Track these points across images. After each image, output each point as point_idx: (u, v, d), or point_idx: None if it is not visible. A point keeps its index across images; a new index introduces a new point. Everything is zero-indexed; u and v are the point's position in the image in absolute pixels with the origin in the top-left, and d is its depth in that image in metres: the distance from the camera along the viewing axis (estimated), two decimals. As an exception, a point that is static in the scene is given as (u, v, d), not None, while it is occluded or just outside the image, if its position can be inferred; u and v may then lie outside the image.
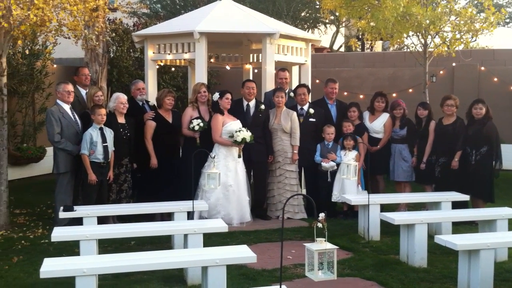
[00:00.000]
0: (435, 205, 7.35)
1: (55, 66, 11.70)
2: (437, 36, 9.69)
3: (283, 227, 3.39)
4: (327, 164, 7.97)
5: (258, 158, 7.94)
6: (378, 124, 8.40)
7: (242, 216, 7.64)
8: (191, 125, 7.72)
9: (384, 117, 8.41)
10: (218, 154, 7.48)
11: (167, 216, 7.40)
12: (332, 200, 7.98)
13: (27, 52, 9.58)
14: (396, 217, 6.13)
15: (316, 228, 3.48)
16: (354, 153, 7.92)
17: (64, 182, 7.28)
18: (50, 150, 10.67)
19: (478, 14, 9.68)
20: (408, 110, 8.53)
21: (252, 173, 8.19)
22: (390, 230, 7.03)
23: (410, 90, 12.13)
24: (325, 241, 3.45)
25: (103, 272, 4.67)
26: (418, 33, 9.50)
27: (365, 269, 5.86)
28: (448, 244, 5.15)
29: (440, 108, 8.17)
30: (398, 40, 9.80)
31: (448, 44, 9.44)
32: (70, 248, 6.33)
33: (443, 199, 7.24)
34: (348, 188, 7.82)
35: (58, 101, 7.35)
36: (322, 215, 3.46)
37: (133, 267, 4.55)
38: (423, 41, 9.67)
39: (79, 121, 7.43)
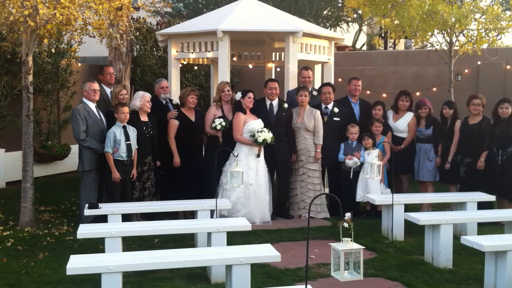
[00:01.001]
0: (460, 206, 7.26)
1: (79, 64, 11.82)
2: (461, 34, 9.56)
3: (308, 227, 3.38)
4: (350, 161, 7.92)
5: (281, 157, 7.93)
6: (402, 123, 8.32)
7: (262, 216, 7.63)
8: (213, 124, 7.73)
9: (409, 116, 8.32)
10: (239, 153, 7.48)
11: (190, 214, 7.43)
12: (357, 200, 7.93)
13: (53, 50, 9.68)
14: (421, 217, 6.06)
15: (341, 228, 3.46)
16: (376, 152, 7.82)
17: (89, 179, 7.34)
18: (74, 148, 10.81)
19: (504, 12, 9.52)
20: (433, 109, 8.43)
21: (275, 172, 8.19)
22: (413, 230, 6.97)
23: (434, 89, 12.00)
24: (351, 241, 3.43)
25: (129, 270, 4.72)
26: (443, 31, 9.39)
27: (389, 269, 5.81)
28: (474, 245, 5.09)
29: (465, 107, 8.07)
30: (423, 38, 9.69)
31: (474, 42, 9.31)
32: (95, 245, 6.38)
33: (469, 199, 7.14)
34: (372, 188, 7.77)
35: (84, 100, 7.41)
36: (348, 215, 3.44)
37: (159, 265, 4.57)
38: (448, 39, 9.55)
39: (104, 119, 7.48)
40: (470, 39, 9.34)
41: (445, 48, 9.78)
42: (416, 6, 8.45)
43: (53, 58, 10.68)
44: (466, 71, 12.13)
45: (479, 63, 12.23)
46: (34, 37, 7.28)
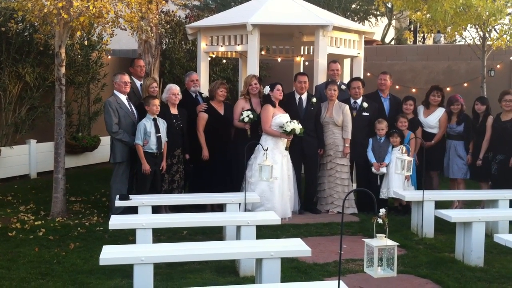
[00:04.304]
0: (491, 203, 7.14)
1: (109, 57, 11.93)
2: (493, 29, 9.39)
3: (342, 222, 3.36)
4: (378, 172, 7.86)
5: (309, 152, 7.90)
6: (433, 119, 8.20)
7: (284, 211, 7.55)
8: (241, 117, 7.71)
9: (440, 112, 8.20)
10: (264, 146, 7.45)
11: (218, 207, 7.47)
12: (380, 197, 7.83)
13: (85, 43, 9.78)
14: (453, 215, 5.98)
15: (375, 224, 3.43)
16: (403, 149, 7.61)
17: (120, 171, 7.40)
18: (104, 140, 10.93)
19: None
20: (465, 105, 8.30)
21: (303, 167, 8.15)
22: (443, 228, 6.90)
23: (466, 84, 11.79)
24: (385, 237, 3.40)
25: (161, 261, 4.74)
26: (476, 26, 9.21)
27: (419, 266, 5.76)
28: (508, 243, 5.00)
29: (498, 103, 7.92)
30: (456, 32, 9.53)
31: (508, 37, 9.12)
32: (125, 236, 6.47)
33: (501, 197, 7.01)
34: (393, 184, 7.68)
35: (115, 92, 7.46)
36: (383, 211, 3.41)
37: (191, 257, 4.60)
38: (481, 33, 9.37)
39: (135, 112, 7.53)
40: (504, 34, 9.15)
41: (478, 42, 9.60)
42: (450, 0, 8.31)
43: (84, 51, 10.80)
44: (498, 66, 11.90)
45: (511, 58, 11.98)
46: (67, 30, 7.37)
